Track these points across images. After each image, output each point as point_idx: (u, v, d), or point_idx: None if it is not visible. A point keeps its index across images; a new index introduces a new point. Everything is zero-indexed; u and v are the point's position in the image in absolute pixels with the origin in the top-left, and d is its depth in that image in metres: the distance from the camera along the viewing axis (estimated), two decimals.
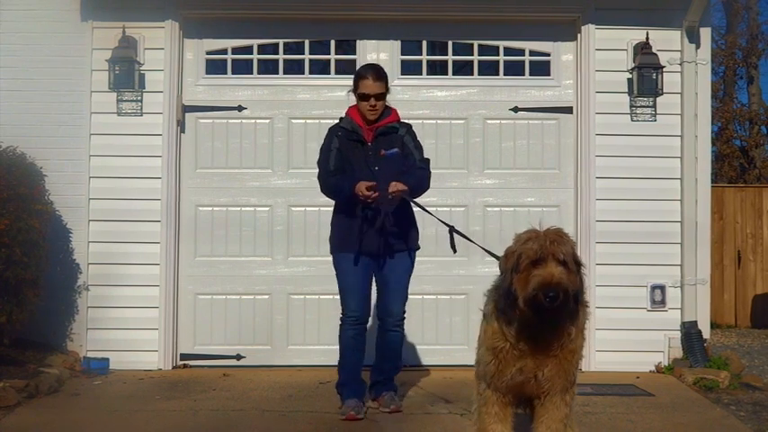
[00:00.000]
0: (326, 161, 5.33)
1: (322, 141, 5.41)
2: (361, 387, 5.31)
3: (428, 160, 5.47)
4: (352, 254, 5.24)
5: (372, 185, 5.05)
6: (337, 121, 5.47)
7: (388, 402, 5.26)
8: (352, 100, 5.41)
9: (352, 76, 5.45)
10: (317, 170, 5.36)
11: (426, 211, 5.24)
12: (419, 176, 5.32)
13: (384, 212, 5.13)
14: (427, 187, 5.42)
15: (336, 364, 5.36)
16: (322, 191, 5.40)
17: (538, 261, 3.39)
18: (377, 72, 5.34)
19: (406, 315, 5.40)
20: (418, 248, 5.41)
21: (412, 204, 5.30)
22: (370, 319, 5.42)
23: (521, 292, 3.42)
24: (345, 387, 5.27)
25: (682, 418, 5.31)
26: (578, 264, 3.50)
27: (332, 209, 5.45)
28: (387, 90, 5.36)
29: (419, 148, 5.43)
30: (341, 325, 5.30)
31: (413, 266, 5.37)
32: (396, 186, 5.07)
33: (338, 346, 5.31)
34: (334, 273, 5.34)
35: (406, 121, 5.50)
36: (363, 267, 5.26)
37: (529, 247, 3.42)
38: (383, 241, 5.22)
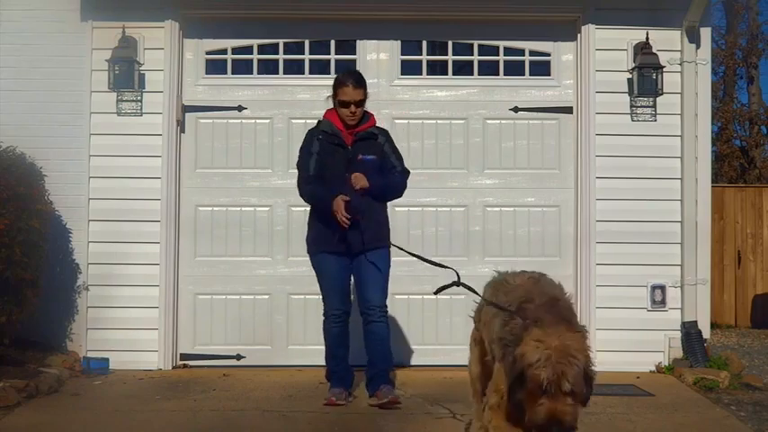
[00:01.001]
0: (306, 165, 5.50)
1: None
2: (348, 377, 5.58)
3: (407, 171, 5.64)
4: (328, 254, 5.45)
5: (348, 201, 5.22)
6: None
7: (385, 394, 5.34)
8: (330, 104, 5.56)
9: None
10: (297, 172, 5.54)
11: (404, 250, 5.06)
12: (391, 181, 5.53)
13: (354, 206, 5.26)
14: (398, 195, 5.64)
15: None
16: (300, 195, 5.58)
17: (545, 389, 3.27)
18: (356, 79, 5.48)
19: (388, 309, 5.53)
20: (389, 245, 5.49)
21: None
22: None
23: (527, 410, 3.34)
24: (332, 376, 5.56)
25: (682, 418, 5.31)
26: (589, 379, 3.39)
27: None
28: (366, 96, 5.50)
29: (398, 156, 5.61)
30: (324, 321, 5.55)
31: (389, 261, 5.51)
32: (359, 181, 5.27)
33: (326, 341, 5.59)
34: (314, 273, 5.58)
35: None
36: (341, 266, 5.47)
37: (536, 373, 3.27)
38: (357, 239, 5.36)
